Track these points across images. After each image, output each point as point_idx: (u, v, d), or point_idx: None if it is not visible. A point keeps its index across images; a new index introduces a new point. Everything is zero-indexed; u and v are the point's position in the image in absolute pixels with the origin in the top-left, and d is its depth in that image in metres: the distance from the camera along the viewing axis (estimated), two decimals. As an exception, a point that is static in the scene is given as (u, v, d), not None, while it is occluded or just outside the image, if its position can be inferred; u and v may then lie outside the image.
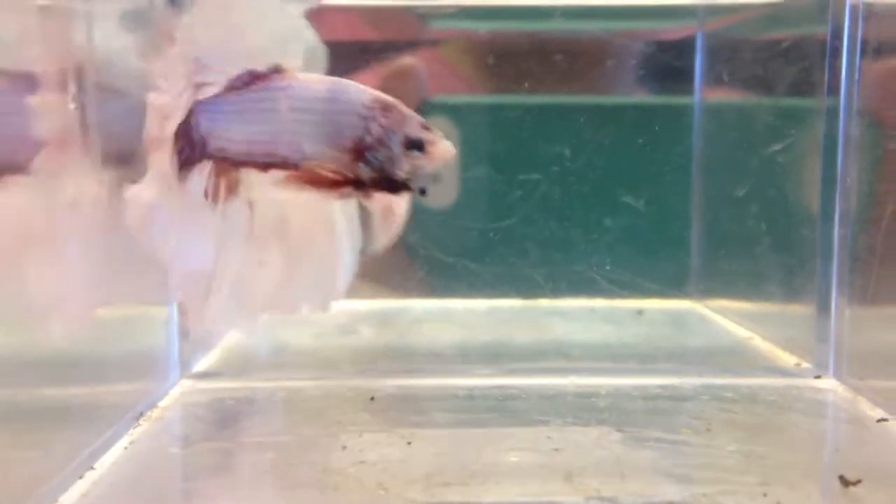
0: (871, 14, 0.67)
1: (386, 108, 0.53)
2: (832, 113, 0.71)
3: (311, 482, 0.52)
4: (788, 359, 0.76)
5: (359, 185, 0.54)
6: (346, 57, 0.90)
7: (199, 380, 0.71)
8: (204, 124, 0.55)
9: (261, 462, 0.54)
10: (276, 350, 0.85)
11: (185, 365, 0.72)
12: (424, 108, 0.92)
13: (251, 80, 0.54)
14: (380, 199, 0.55)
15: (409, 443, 0.57)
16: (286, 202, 0.56)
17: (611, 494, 0.49)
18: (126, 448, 0.57)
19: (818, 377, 0.71)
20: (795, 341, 0.77)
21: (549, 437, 0.58)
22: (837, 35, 0.70)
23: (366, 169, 0.53)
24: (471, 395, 0.68)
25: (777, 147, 0.78)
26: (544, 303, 0.92)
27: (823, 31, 0.71)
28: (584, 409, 0.64)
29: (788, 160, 0.78)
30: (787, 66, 0.78)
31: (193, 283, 0.56)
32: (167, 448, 0.57)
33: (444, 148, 0.53)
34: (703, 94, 0.95)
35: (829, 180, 0.71)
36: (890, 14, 0.66)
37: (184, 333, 0.72)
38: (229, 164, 0.55)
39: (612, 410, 0.64)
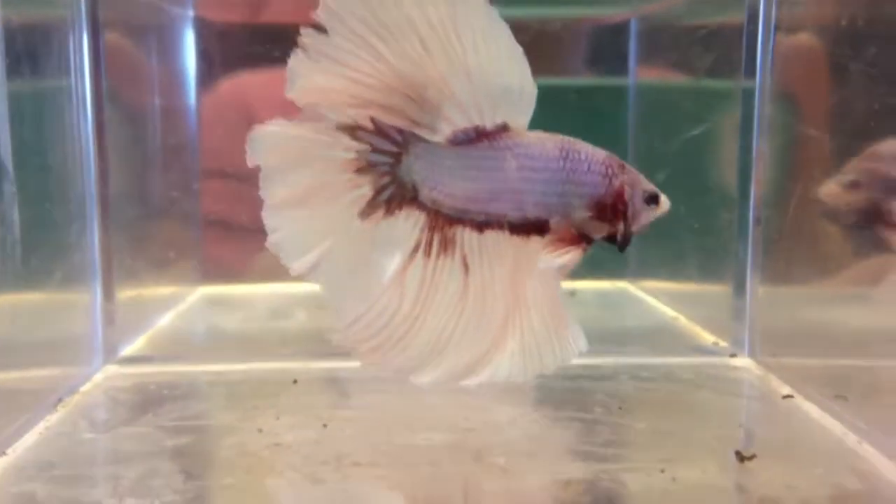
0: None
1: (621, 164, 0.55)
2: (748, 95, 0.72)
3: (223, 465, 0.52)
4: (708, 338, 0.78)
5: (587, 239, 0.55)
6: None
7: (124, 365, 0.72)
8: (419, 170, 0.54)
9: (176, 446, 0.55)
10: (206, 334, 0.85)
11: (110, 350, 0.72)
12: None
13: (477, 136, 0.53)
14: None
15: (324, 425, 0.57)
16: (511, 271, 0.55)
17: (516, 472, 0.50)
18: (41, 433, 0.57)
19: (733, 356, 0.73)
20: (715, 321, 0.78)
21: (466, 418, 0.59)
22: (753, 20, 0.71)
23: (607, 226, 0.55)
24: (394, 377, 0.68)
25: (697, 131, 0.80)
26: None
27: (741, 16, 0.72)
28: (505, 389, 0.65)
29: (711, 142, 0.80)
30: (709, 49, 0.79)
31: (385, 327, 0.55)
32: (83, 433, 0.57)
33: (666, 199, 0.56)
34: (637, 78, 0.96)
35: (745, 163, 0.73)
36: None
37: (108, 319, 0.72)
38: (444, 220, 0.54)
39: (533, 390, 0.65)
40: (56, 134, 0.64)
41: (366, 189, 0.54)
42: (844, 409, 0.58)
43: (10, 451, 0.54)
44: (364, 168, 0.53)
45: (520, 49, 0.52)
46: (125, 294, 0.75)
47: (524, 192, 0.54)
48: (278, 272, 0.95)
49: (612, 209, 0.54)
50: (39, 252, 0.60)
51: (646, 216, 0.56)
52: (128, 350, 0.75)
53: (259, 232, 1.03)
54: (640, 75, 0.96)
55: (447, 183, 0.54)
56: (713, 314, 0.79)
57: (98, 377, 0.68)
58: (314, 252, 0.54)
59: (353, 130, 0.53)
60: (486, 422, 0.58)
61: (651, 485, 0.48)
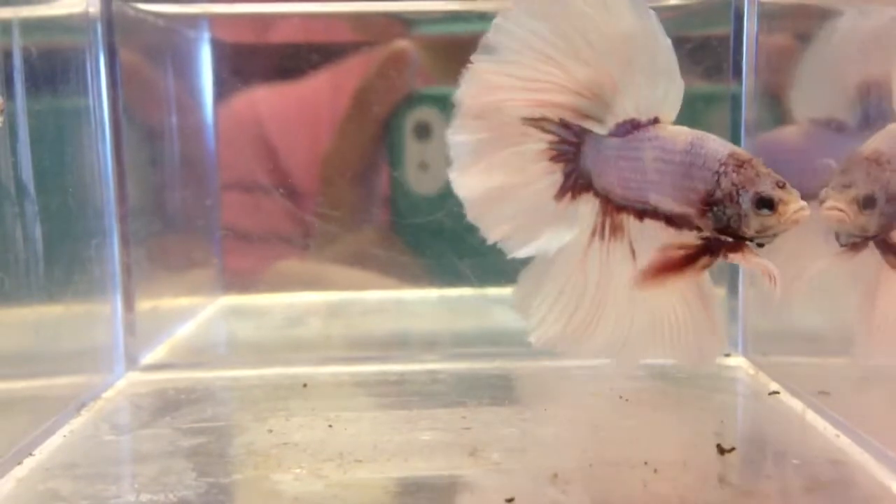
0: (763, 10, 0.71)
1: (739, 163, 0.52)
2: (736, 99, 0.75)
3: (233, 462, 0.55)
4: (706, 339, 0.80)
5: (713, 248, 0.54)
6: (331, 54, 0.94)
7: (145, 372, 0.75)
8: (590, 159, 0.58)
9: (191, 446, 0.58)
10: (224, 342, 0.89)
11: (131, 359, 0.76)
12: (414, 97, 0.95)
13: (632, 128, 0.56)
14: (748, 260, 0.54)
15: (330, 425, 0.61)
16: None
17: (508, 466, 0.53)
18: (65, 436, 0.60)
19: (728, 355, 0.75)
20: (714, 322, 0.81)
21: (463, 417, 0.62)
22: (738, 29, 0.74)
23: (709, 224, 0.54)
24: (400, 381, 0.71)
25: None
26: (492, 291, 0.95)
27: (727, 27, 0.75)
28: (503, 390, 0.69)
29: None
30: (703, 56, 0.82)
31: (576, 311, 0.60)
32: (104, 435, 0.60)
33: (797, 208, 0.51)
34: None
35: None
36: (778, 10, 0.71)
37: (129, 329, 0.76)
38: (613, 206, 0.58)
39: (529, 391, 0.68)
40: (75, 154, 0.68)
41: (557, 175, 0.59)
42: (826, 404, 0.60)
43: (36, 452, 0.57)
44: (556, 156, 0.59)
45: (670, 47, 0.55)
46: (146, 305, 0.79)
47: (658, 183, 0.55)
48: (294, 281, 1.00)
49: (716, 209, 0.53)
50: (61, 266, 0.63)
51: (757, 222, 0.51)
52: (148, 358, 0.78)
53: (276, 241, 1.07)
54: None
55: (608, 173, 0.58)
56: (711, 315, 0.82)
57: (120, 384, 0.72)
58: (513, 231, 0.60)
59: (540, 123, 0.58)
60: (482, 420, 0.61)
61: (632, 475, 0.51)
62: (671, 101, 0.56)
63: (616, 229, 0.58)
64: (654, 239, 0.57)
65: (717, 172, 0.53)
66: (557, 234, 0.60)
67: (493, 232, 0.61)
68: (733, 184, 0.52)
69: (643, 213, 0.57)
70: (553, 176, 0.59)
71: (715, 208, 0.53)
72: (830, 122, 0.61)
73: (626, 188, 0.57)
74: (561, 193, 0.59)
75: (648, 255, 0.57)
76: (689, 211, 0.54)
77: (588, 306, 0.60)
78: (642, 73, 0.55)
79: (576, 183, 0.59)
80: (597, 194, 0.59)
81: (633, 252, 0.58)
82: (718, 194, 0.53)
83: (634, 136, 0.56)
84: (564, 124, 0.58)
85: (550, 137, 0.59)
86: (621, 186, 0.57)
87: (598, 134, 0.58)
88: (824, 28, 0.63)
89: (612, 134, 0.57)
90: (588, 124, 0.58)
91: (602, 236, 0.59)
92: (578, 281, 0.60)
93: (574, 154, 0.59)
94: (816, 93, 0.64)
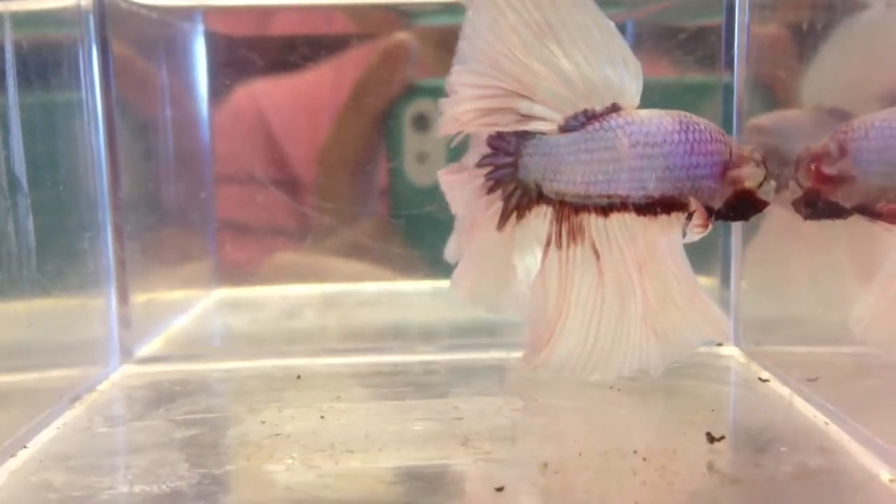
0: (755, 0, 0.71)
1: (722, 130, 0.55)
2: (728, 89, 0.75)
3: (226, 453, 0.56)
4: (699, 329, 0.80)
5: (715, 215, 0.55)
6: (328, 46, 0.94)
7: (139, 364, 0.75)
8: (535, 167, 0.56)
9: (184, 437, 0.58)
10: (219, 335, 0.89)
11: (126, 352, 0.76)
12: (413, 88, 0.95)
13: (587, 120, 0.55)
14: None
15: (322, 416, 0.61)
16: (643, 252, 0.56)
17: (499, 456, 0.53)
18: (59, 428, 0.61)
19: (720, 345, 0.75)
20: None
21: (455, 408, 0.62)
22: (730, 19, 0.74)
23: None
24: (395, 371, 0.72)
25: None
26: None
27: (720, 17, 0.75)
28: (496, 381, 0.69)
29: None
30: (695, 46, 0.82)
31: (536, 325, 0.59)
32: (98, 427, 0.61)
33: None
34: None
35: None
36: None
37: (124, 322, 0.76)
38: (570, 209, 0.56)
39: (523, 382, 0.68)
40: (68, 147, 0.68)
41: (497, 203, 0.58)
42: (815, 392, 0.60)
43: (30, 444, 0.58)
44: (493, 186, 0.58)
45: (615, 31, 0.54)
46: (140, 298, 0.79)
47: (643, 169, 0.54)
48: (290, 273, 1.00)
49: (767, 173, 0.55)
50: (54, 260, 0.64)
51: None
52: (143, 351, 0.78)
53: (272, 233, 1.07)
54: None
55: (564, 171, 0.55)
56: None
57: (114, 376, 0.72)
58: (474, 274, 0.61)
59: (480, 160, 0.58)
60: (474, 410, 0.61)
61: (622, 464, 0.51)
62: (629, 87, 0.55)
63: (575, 232, 0.56)
64: (623, 233, 0.56)
65: (726, 142, 0.54)
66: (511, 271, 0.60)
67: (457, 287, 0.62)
68: (751, 148, 0.55)
69: (609, 208, 0.56)
70: (493, 207, 0.58)
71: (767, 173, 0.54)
72: (835, 111, 0.61)
73: (591, 183, 0.55)
74: (504, 220, 0.58)
75: (615, 253, 0.56)
76: (704, 186, 0.54)
77: (550, 320, 0.58)
78: (584, 63, 0.54)
79: (520, 200, 0.57)
80: (548, 202, 0.57)
81: (596, 252, 0.56)
82: (734, 161, 0.54)
83: (596, 127, 0.55)
84: (495, 147, 0.57)
85: (485, 171, 0.57)
86: (585, 182, 0.55)
87: (540, 136, 0.56)
88: (850, 20, 0.63)
89: (564, 130, 0.55)
90: (533, 126, 0.56)
91: (559, 244, 0.57)
92: (539, 296, 0.58)
93: (512, 172, 0.57)
94: (831, 82, 0.64)
